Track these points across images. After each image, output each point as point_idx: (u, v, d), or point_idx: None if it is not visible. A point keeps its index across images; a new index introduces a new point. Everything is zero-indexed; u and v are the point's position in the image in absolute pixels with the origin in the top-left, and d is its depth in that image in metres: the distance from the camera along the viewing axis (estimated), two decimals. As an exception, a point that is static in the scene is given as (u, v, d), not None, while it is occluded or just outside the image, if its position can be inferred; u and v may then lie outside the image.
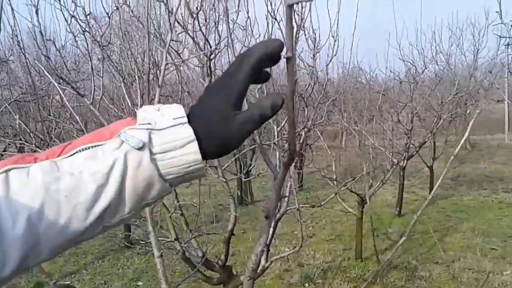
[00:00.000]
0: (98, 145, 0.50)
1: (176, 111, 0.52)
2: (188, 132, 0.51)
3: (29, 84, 3.88)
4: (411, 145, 6.30)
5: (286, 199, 2.83)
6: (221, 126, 0.52)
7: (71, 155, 0.50)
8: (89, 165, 0.48)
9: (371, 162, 5.18)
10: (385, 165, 5.62)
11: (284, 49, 0.57)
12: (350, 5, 4.20)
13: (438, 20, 8.08)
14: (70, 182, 0.47)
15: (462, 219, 6.59)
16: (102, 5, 3.28)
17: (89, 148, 0.50)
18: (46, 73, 2.34)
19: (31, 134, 3.47)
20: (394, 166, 5.44)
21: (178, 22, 2.70)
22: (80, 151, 0.50)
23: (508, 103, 13.24)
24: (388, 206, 7.39)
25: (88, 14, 3.30)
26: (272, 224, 2.75)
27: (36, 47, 3.88)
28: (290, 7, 0.99)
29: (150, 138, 0.50)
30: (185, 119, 0.51)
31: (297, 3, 0.80)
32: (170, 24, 2.09)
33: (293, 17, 0.99)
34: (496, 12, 3.98)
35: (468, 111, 10.01)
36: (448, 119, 7.46)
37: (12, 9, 3.17)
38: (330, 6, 3.80)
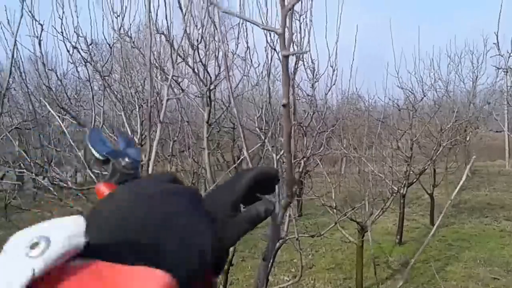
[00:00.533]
0: None
1: None
2: None
3: (29, 111, 3.90)
4: (411, 172, 6.29)
5: (285, 226, 2.81)
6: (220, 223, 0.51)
7: None
8: None
9: (371, 190, 5.15)
10: (385, 192, 5.60)
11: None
12: (349, 35, 4.27)
13: (436, 48, 8.18)
14: None
15: (464, 247, 6.51)
16: (104, 36, 3.34)
17: None
18: (47, 105, 2.35)
19: (31, 162, 3.46)
20: (394, 194, 5.41)
21: (179, 56, 2.73)
22: None
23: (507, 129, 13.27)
24: (389, 234, 7.32)
25: (90, 44, 3.37)
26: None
27: (37, 75, 3.95)
28: (286, 57, 1.01)
29: None
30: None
31: (293, 54, 0.81)
32: (172, 61, 2.11)
33: (287, 66, 1.00)
34: (494, 43, 4.04)
35: (468, 138, 10.03)
36: (448, 146, 7.47)
37: (16, 40, 3.25)
38: (329, 36, 3.87)
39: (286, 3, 0.94)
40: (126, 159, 0.54)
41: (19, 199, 6.25)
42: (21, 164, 4.33)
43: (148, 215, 0.44)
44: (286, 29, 0.85)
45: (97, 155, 0.55)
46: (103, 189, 0.51)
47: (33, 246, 0.35)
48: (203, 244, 0.46)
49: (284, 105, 0.91)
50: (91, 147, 0.55)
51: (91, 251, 0.37)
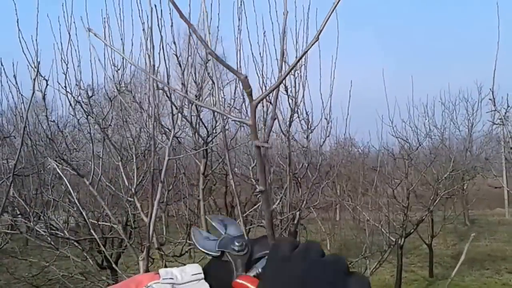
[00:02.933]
0: None
1: (195, 269, 0.61)
2: (205, 286, 0.59)
3: (27, 159, 3.96)
4: (408, 222, 6.24)
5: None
6: None
7: None
8: None
9: (367, 239, 5.11)
10: (382, 241, 5.54)
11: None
12: (343, 86, 4.36)
13: (430, 96, 8.33)
14: None
15: (464, 301, 6.37)
16: (105, 90, 3.44)
17: None
18: (50, 159, 2.41)
19: (28, 208, 3.50)
20: (392, 246, 5.36)
21: (181, 114, 2.81)
22: None
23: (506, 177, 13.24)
24: (387, 286, 7.17)
25: (91, 97, 3.48)
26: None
27: (36, 121, 4.04)
28: (258, 148, 1.07)
29: None
30: (202, 275, 0.60)
31: (263, 146, 0.87)
32: (173, 121, 2.18)
33: (261, 154, 1.06)
34: (490, 99, 4.09)
35: (465, 185, 10.00)
36: (445, 196, 7.45)
37: (18, 89, 3.36)
38: (323, 89, 3.97)
39: (254, 99, 1.01)
40: (236, 243, 0.60)
41: (12, 243, 6.21)
42: (16, 209, 4.34)
43: None
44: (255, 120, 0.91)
45: (213, 254, 0.62)
46: (242, 282, 0.56)
47: None
48: None
49: (261, 191, 0.95)
50: (202, 250, 0.63)
51: None
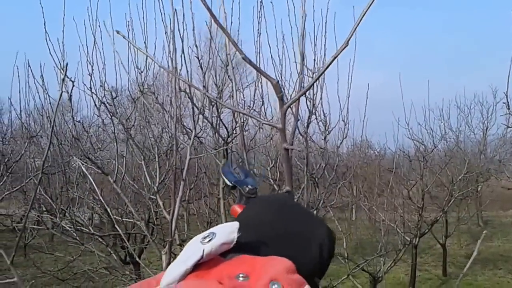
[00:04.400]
0: None
1: None
2: None
3: (53, 158, 4.10)
4: (423, 222, 6.28)
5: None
6: None
7: None
8: None
9: (382, 239, 5.17)
10: (397, 240, 5.59)
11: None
12: (360, 88, 4.41)
13: (446, 100, 8.33)
14: None
15: (478, 301, 6.39)
16: (129, 91, 3.57)
17: None
18: (75, 158, 2.53)
19: (55, 205, 3.63)
20: (407, 245, 5.41)
21: (202, 115, 2.91)
22: None
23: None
24: (401, 284, 7.21)
25: (115, 98, 3.60)
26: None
27: (62, 121, 4.18)
28: (286, 150, 1.17)
29: None
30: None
31: (294, 148, 0.96)
32: (194, 121, 2.28)
33: (289, 157, 1.16)
34: (504, 103, 4.14)
35: (479, 187, 9.97)
36: (459, 197, 7.45)
37: (44, 90, 3.50)
38: (340, 92, 4.04)
39: (284, 103, 1.10)
40: (249, 186, 0.75)
41: (38, 239, 6.40)
42: (42, 206, 4.51)
43: (276, 218, 0.63)
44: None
45: (228, 182, 0.78)
46: (237, 209, 0.72)
47: (205, 237, 0.54)
48: (322, 238, 0.62)
49: (288, 191, 1.05)
50: (223, 177, 0.79)
51: (238, 247, 0.54)
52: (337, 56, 0.99)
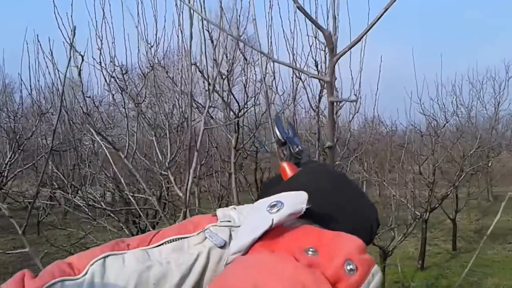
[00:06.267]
0: (183, 238, 0.57)
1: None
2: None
3: (64, 135, 4.10)
4: (433, 197, 6.26)
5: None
6: None
7: (160, 244, 0.57)
8: (176, 257, 0.55)
9: (393, 214, 5.17)
10: (407, 215, 5.59)
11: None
12: (373, 62, 4.32)
13: (458, 74, 8.22)
14: (159, 271, 0.52)
15: (486, 274, 6.40)
16: (139, 66, 3.52)
17: (176, 240, 0.57)
18: (93, 132, 2.51)
19: (67, 182, 3.65)
20: (417, 220, 5.41)
21: (214, 91, 2.88)
22: (168, 242, 0.57)
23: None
24: (411, 258, 7.25)
25: (125, 73, 3.57)
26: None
27: (73, 98, 4.16)
28: (332, 103, 1.14)
29: (230, 235, 0.58)
30: None
31: (340, 101, 0.93)
32: (209, 92, 2.25)
33: (333, 111, 1.12)
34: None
35: (490, 162, 9.91)
36: (470, 172, 7.41)
37: (54, 65, 3.47)
38: (353, 66, 3.96)
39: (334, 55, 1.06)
40: (299, 147, 0.72)
41: (51, 216, 6.49)
42: (54, 184, 4.54)
43: (335, 190, 0.61)
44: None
45: (280, 136, 0.74)
46: (286, 167, 0.68)
47: (272, 206, 0.53)
48: (373, 219, 0.61)
49: (329, 147, 1.03)
50: (276, 129, 0.75)
51: (307, 215, 0.53)
52: (388, 8, 0.94)
